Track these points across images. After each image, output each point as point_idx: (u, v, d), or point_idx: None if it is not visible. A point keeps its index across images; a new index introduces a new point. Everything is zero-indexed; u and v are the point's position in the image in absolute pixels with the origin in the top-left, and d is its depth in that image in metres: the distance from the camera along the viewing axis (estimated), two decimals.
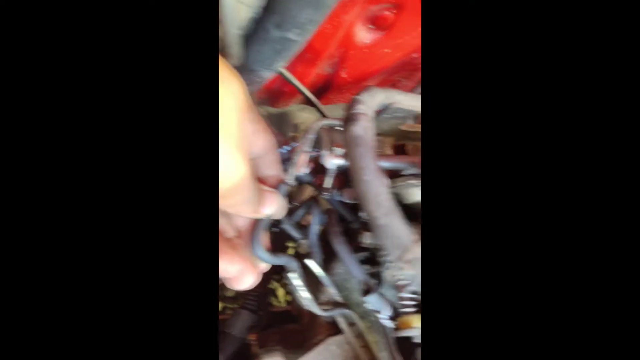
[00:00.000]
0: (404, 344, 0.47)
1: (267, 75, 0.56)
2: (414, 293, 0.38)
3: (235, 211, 0.43)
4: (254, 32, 0.50)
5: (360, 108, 0.42)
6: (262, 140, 0.46)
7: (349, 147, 0.38)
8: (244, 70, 0.55)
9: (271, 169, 0.49)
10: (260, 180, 0.49)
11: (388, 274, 0.35)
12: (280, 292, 1.28)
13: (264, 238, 0.47)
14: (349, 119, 0.41)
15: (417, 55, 0.87)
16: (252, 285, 0.43)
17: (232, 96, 0.35)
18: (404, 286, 0.36)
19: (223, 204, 0.37)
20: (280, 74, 0.67)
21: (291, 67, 0.79)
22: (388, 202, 0.34)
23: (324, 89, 0.88)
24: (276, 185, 0.48)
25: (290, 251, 0.71)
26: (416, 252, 0.31)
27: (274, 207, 0.44)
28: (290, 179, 0.48)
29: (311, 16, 0.46)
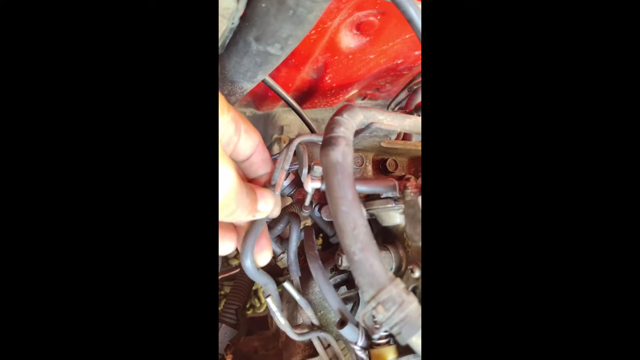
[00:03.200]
0: None
1: (249, 87, 0.55)
2: (388, 336, 0.37)
3: (232, 219, 0.41)
4: (235, 43, 0.49)
5: (339, 131, 0.41)
6: (248, 140, 0.45)
7: (327, 173, 0.37)
8: (224, 81, 0.54)
9: (262, 168, 0.49)
10: (252, 181, 0.49)
11: (362, 314, 0.34)
12: (261, 292, 1.28)
13: (263, 240, 0.46)
14: (327, 142, 0.40)
15: (402, 61, 0.86)
16: (231, 251, 0.43)
17: None
18: (377, 329, 0.35)
19: (220, 215, 0.37)
20: (264, 81, 0.65)
21: (276, 72, 0.77)
22: (365, 236, 0.33)
23: (308, 94, 0.86)
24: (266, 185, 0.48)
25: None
26: (392, 291, 0.30)
27: (269, 203, 0.43)
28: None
29: (292, 32, 0.45)
